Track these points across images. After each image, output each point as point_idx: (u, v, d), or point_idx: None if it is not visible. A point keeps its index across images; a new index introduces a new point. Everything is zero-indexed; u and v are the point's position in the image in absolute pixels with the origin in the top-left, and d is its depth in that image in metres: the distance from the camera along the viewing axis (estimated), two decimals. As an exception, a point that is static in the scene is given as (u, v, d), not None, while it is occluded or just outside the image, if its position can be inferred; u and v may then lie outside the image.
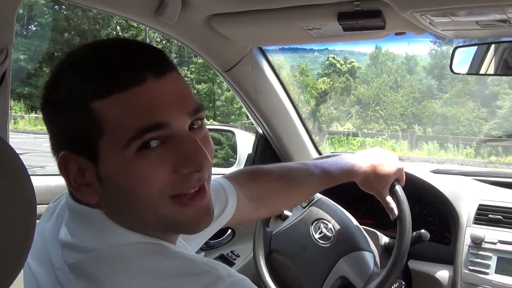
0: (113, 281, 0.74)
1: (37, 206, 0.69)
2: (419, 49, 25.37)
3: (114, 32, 28.27)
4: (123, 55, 0.79)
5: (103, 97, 0.75)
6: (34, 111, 21.60)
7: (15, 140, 14.97)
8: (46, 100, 0.83)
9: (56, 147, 0.82)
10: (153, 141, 0.77)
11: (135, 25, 21.36)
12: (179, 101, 0.79)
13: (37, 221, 0.75)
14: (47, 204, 1.01)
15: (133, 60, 0.78)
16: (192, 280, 0.74)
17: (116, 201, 0.80)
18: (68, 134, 0.79)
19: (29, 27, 26.99)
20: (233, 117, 22.12)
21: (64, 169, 0.80)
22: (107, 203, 0.81)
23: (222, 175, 1.40)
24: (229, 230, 2.30)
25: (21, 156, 0.66)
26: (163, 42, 22.29)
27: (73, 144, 0.79)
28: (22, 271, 0.70)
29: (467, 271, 1.66)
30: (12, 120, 19.96)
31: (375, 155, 1.58)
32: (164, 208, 0.79)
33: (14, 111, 20.97)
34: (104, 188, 0.79)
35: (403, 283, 1.57)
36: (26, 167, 0.67)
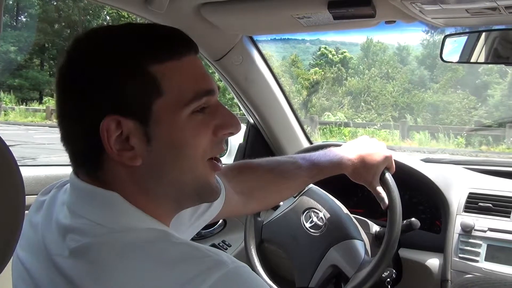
0: (120, 267, 0.74)
1: (26, 196, 0.68)
2: (411, 39, 25.43)
3: (105, 23, 28.13)
4: (172, 30, 0.88)
5: (161, 61, 0.82)
6: (24, 103, 21.51)
7: (6, 132, 14.96)
8: (77, 68, 0.84)
9: (92, 114, 0.81)
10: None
11: (126, 15, 21.25)
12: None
13: (26, 212, 0.74)
14: (36, 194, 1.00)
15: (181, 34, 0.88)
16: (196, 264, 0.75)
17: (161, 162, 0.84)
18: (116, 97, 0.81)
19: (19, 18, 26.83)
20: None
21: (105, 134, 0.80)
22: (148, 167, 0.84)
23: None
24: (220, 220, 2.30)
25: (12, 148, 0.66)
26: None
27: (122, 106, 0.81)
28: (10, 262, 0.69)
29: (457, 259, 1.68)
30: (3, 112, 19.87)
31: (363, 145, 1.59)
32: (202, 168, 0.88)
33: (4, 103, 20.86)
34: (151, 149, 0.83)
35: (394, 271, 1.58)
36: (18, 158, 0.67)
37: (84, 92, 0.82)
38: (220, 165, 0.92)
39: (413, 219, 1.62)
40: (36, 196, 1.00)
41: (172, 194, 0.88)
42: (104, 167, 0.84)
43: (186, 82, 0.84)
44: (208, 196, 0.93)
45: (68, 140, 0.86)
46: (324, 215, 1.71)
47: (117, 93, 0.81)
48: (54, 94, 0.88)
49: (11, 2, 24.50)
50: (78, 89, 0.82)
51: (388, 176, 1.57)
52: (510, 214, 1.68)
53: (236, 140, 2.47)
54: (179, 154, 0.84)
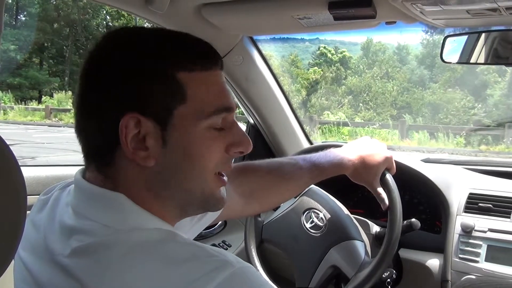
0: (126, 267, 0.75)
1: (27, 196, 0.68)
2: (410, 38, 25.42)
3: (104, 22, 28.13)
4: (205, 42, 0.90)
5: (191, 70, 0.85)
6: (24, 102, 21.48)
7: (5, 131, 14.95)
8: (106, 63, 0.85)
9: (114, 110, 0.82)
10: None
11: (125, 14, 21.23)
12: None
13: (28, 212, 0.74)
14: (37, 195, 1.00)
15: (212, 48, 0.90)
16: (202, 264, 0.76)
17: (172, 167, 0.85)
18: (140, 97, 0.82)
19: (18, 17, 26.81)
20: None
21: (124, 131, 0.81)
22: (159, 169, 0.85)
23: None
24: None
25: (11, 147, 0.66)
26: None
27: (145, 106, 0.82)
28: (12, 262, 0.69)
29: (458, 260, 1.67)
30: (2, 111, 19.86)
31: (364, 146, 1.59)
32: (210, 181, 0.90)
33: (3, 101, 20.84)
34: (165, 152, 0.84)
35: (394, 271, 1.58)
36: (18, 158, 0.67)
37: (109, 87, 0.83)
38: (226, 179, 0.94)
39: (413, 219, 1.62)
40: (37, 196, 1.00)
41: (177, 200, 0.89)
42: (116, 164, 0.84)
43: (210, 95, 0.86)
44: (212, 206, 0.95)
45: (85, 132, 0.87)
46: (324, 215, 1.71)
47: (142, 93, 0.83)
48: (77, 85, 0.88)
49: (10, 1, 24.47)
50: (103, 84, 0.84)
51: (389, 176, 1.57)
52: (510, 214, 1.68)
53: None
54: (191, 163, 0.86)
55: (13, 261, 0.71)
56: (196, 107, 0.85)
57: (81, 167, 0.92)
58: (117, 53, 0.85)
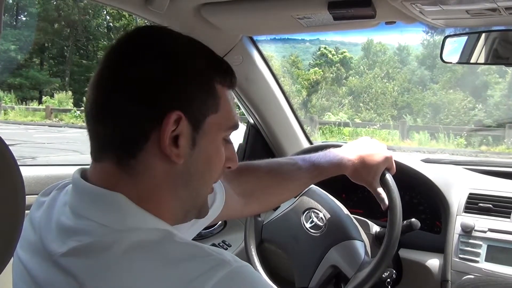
0: (124, 267, 0.75)
1: (26, 196, 0.68)
2: (411, 39, 25.43)
3: (105, 23, 28.16)
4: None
5: (223, 85, 0.93)
6: (24, 102, 21.49)
7: (6, 131, 14.96)
8: (145, 62, 0.87)
9: (162, 103, 0.85)
10: None
11: (127, 15, 21.24)
12: None
13: (27, 211, 0.74)
14: (37, 194, 1.00)
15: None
16: (199, 263, 0.76)
17: (194, 168, 0.90)
18: (187, 98, 0.87)
19: (19, 17, 26.83)
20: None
21: (166, 125, 0.84)
22: (184, 169, 0.88)
23: None
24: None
25: (12, 147, 0.66)
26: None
27: (188, 107, 0.86)
28: (11, 262, 0.69)
29: (458, 260, 1.68)
30: (2, 111, 19.86)
31: (363, 146, 1.59)
32: (210, 188, 0.98)
33: (4, 102, 20.85)
34: (192, 154, 0.89)
35: (394, 271, 1.58)
36: (18, 158, 0.67)
37: (161, 81, 0.85)
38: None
39: (413, 219, 1.62)
40: (36, 196, 1.00)
41: (187, 201, 0.93)
42: (139, 157, 0.85)
43: (231, 111, 0.94)
44: (203, 213, 1.00)
45: (114, 120, 0.86)
46: (324, 215, 1.71)
47: (188, 94, 0.86)
48: (105, 72, 0.89)
49: (11, 1, 24.50)
50: (153, 76, 0.85)
51: (389, 176, 1.57)
52: (510, 214, 1.68)
53: (236, 140, 2.47)
54: (209, 168, 0.93)
55: (11, 260, 0.71)
56: (222, 119, 0.92)
57: (80, 167, 0.92)
58: (169, 52, 0.88)
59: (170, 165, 0.86)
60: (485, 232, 1.67)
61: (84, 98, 0.98)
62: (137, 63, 0.86)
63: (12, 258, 0.72)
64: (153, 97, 0.84)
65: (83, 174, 0.90)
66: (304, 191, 1.77)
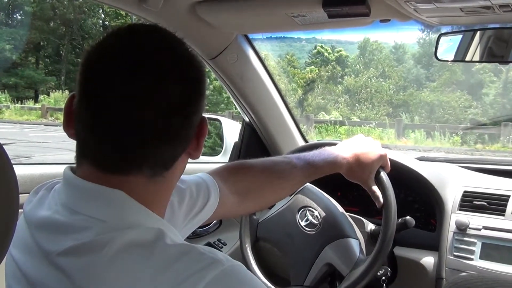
0: (116, 268, 0.74)
1: (21, 195, 0.68)
2: (407, 37, 25.49)
3: (100, 21, 28.10)
4: None
5: None
6: (20, 101, 21.44)
7: (1, 130, 14.93)
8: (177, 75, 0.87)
9: (196, 114, 0.89)
10: None
11: (123, 14, 21.19)
12: None
13: (20, 210, 0.74)
14: (30, 193, 1.00)
15: None
16: (191, 263, 0.75)
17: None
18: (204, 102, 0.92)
19: (14, 16, 26.75)
20: (222, 105, 22.05)
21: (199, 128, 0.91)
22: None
23: (205, 171, 1.39)
24: (216, 218, 2.30)
25: (7, 146, 0.66)
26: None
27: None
28: (4, 261, 0.69)
29: (452, 257, 1.68)
30: (-3, 110, 19.83)
31: (358, 144, 1.59)
32: None
33: (-1, 101, 20.83)
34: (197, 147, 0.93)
35: (389, 269, 1.58)
36: (13, 157, 0.67)
37: (192, 94, 0.87)
38: None
39: (408, 217, 1.62)
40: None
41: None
42: (177, 164, 0.89)
43: None
44: None
45: (153, 149, 0.84)
46: (319, 213, 1.72)
47: (204, 99, 0.91)
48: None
49: (6, 0, 24.45)
50: (185, 92, 0.86)
51: (383, 174, 1.57)
52: (504, 212, 1.69)
53: (231, 139, 2.47)
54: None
55: (4, 260, 0.71)
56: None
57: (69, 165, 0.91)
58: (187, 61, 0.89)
59: (186, 159, 0.92)
60: (479, 229, 1.67)
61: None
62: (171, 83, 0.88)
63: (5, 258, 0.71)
64: (199, 106, 0.90)
65: (76, 171, 0.88)
66: (299, 189, 1.77)
